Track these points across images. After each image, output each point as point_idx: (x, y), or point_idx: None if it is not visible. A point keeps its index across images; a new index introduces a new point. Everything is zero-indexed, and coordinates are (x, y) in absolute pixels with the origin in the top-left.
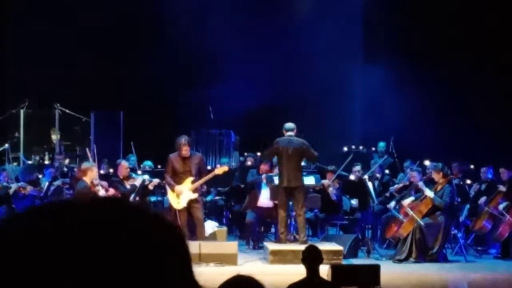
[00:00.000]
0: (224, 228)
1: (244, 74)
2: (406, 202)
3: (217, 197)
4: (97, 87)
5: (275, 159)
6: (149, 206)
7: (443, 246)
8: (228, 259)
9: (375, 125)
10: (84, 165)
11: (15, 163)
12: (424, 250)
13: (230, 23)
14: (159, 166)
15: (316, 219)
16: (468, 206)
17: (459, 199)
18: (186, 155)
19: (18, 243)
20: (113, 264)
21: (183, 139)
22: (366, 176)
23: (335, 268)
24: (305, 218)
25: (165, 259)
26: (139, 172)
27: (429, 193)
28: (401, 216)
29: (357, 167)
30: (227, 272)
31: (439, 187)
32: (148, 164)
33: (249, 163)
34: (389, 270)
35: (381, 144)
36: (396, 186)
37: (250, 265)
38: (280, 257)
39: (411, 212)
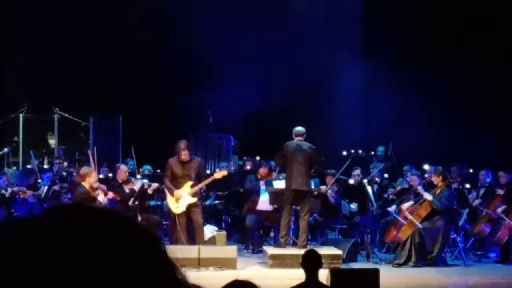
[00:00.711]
0: (223, 232)
1: (243, 78)
2: (405, 206)
3: (216, 201)
4: (96, 92)
5: (273, 163)
6: (148, 210)
7: (442, 250)
8: (228, 263)
9: (374, 130)
10: (83, 170)
11: (14, 167)
12: (423, 254)
13: (229, 26)
14: (158, 171)
15: (315, 223)
16: (467, 210)
17: (456, 203)
18: (185, 160)
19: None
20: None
21: (182, 144)
22: (365, 180)
23: (334, 273)
24: (307, 224)
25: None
26: (138, 176)
27: (427, 196)
28: (400, 218)
29: (357, 171)
30: (226, 276)
31: (438, 191)
32: (147, 168)
33: (248, 167)
34: (388, 274)
35: (380, 149)
36: (395, 189)
37: (250, 269)
38: (279, 261)
39: (410, 216)
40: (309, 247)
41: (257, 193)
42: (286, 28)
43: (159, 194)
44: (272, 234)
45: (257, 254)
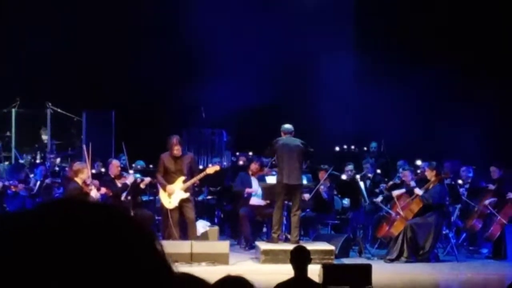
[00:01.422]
0: (216, 228)
1: (236, 74)
2: (396, 193)
3: (208, 197)
4: (89, 87)
5: (267, 159)
6: (140, 205)
7: (434, 246)
8: (220, 259)
9: (367, 125)
10: (76, 165)
11: (6, 162)
12: (415, 250)
13: (221, 22)
14: (151, 166)
15: (308, 219)
16: (459, 206)
17: (449, 199)
18: (178, 155)
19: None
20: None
21: (175, 139)
22: (358, 176)
23: (326, 268)
24: (299, 219)
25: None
26: (131, 171)
27: (418, 191)
28: (389, 210)
29: (349, 167)
30: (218, 271)
31: (430, 186)
32: (140, 163)
33: (241, 162)
34: (380, 270)
35: (373, 144)
36: (387, 184)
37: (242, 264)
38: (271, 257)
39: (402, 212)
40: (301, 242)
41: (249, 187)
42: (278, 23)
43: (152, 190)
44: (264, 229)
45: (249, 250)
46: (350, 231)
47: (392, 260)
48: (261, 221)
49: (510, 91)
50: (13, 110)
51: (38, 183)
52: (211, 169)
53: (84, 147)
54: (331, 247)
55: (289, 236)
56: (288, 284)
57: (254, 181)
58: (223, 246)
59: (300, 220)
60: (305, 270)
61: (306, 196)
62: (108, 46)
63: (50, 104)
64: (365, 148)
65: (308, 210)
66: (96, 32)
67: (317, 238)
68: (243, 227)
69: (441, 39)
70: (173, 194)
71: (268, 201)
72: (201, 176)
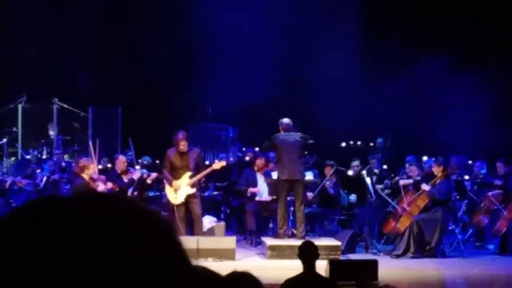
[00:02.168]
0: (222, 223)
1: (242, 69)
2: (402, 182)
3: (215, 192)
4: (95, 82)
5: (272, 154)
6: (146, 200)
7: (441, 241)
8: (226, 254)
9: (373, 120)
10: (82, 161)
11: (13, 158)
12: (421, 245)
13: (228, 17)
14: (157, 161)
15: (314, 214)
16: (466, 201)
17: (457, 195)
18: (184, 150)
19: (9, 240)
20: (106, 261)
21: (181, 134)
22: (364, 172)
23: (333, 263)
24: (304, 214)
25: (158, 255)
26: (137, 167)
27: (425, 186)
28: (395, 205)
29: (355, 162)
30: (225, 267)
31: (437, 181)
32: (146, 159)
33: (247, 158)
34: (386, 266)
35: (379, 140)
36: (395, 179)
37: (248, 260)
38: (278, 252)
39: (408, 208)
40: (308, 238)
41: (254, 184)
42: (284, 18)
43: (158, 185)
44: (271, 225)
45: (255, 246)
46: (357, 227)
47: (398, 256)
48: (268, 216)
49: None
50: (20, 106)
51: (45, 178)
52: (218, 164)
53: (91, 143)
54: (338, 243)
55: (295, 232)
56: (297, 280)
57: (260, 178)
58: (230, 241)
59: (307, 216)
60: (313, 265)
61: (309, 194)
62: (114, 42)
63: (56, 99)
64: (371, 144)
65: (314, 205)
66: (102, 27)
67: (324, 234)
68: (248, 222)
69: (450, 27)
70: (179, 190)
71: (274, 197)
72: (207, 172)
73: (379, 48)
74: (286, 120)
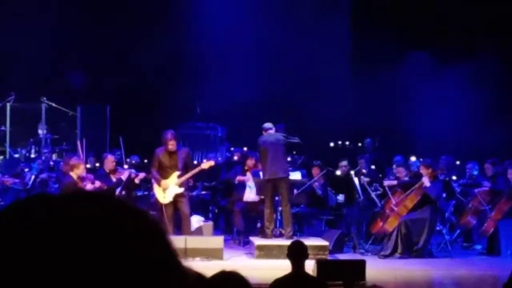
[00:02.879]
0: (210, 223)
1: (230, 69)
2: (387, 182)
3: (203, 192)
4: (84, 81)
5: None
6: (135, 200)
7: (428, 242)
8: (214, 254)
9: (362, 121)
10: (72, 160)
11: (1, 157)
12: (409, 246)
13: (217, 18)
14: (145, 161)
15: (302, 214)
16: (453, 202)
17: (444, 195)
18: (173, 150)
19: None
20: (96, 260)
21: (170, 134)
22: (352, 172)
23: (320, 263)
24: (291, 213)
25: (148, 254)
26: (126, 166)
27: (426, 181)
28: (379, 203)
29: (344, 162)
30: (213, 266)
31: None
32: (134, 158)
33: (235, 158)
34: (374, 266)
35: (367, 140)
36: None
37: (236, 259)
38: (266, 252)
39: (396, 208)
40: (295, 238)
41: (243, 187)
42: (273, 19)
43: (146, 185)
44: (258, 224)
45: (243, 246)
46: (344, 227)
47: (386, 256)
48: (256, 216)
49: None
50: (8, 105)
51: (33, 177)
52: (206, 164)
53: (79, 142)
54: (325, 243)
55: (283, 232)
56: (286, 279)
57: (249, 177)
58: (218, 241)
59: (294, 216)
60: (302, 265)
61: (294, 192)
62: (104, 41)
63: (45, 98)
64: (360, 144)
65: (302, 205)
66: (92, 26)
67: (311, 234)
68: (236, 222)
69: (440, 26)
70: (168, 189)
71: (262, 197)
72: (196, 171)
73: (368, 48)
74: (267, 124)
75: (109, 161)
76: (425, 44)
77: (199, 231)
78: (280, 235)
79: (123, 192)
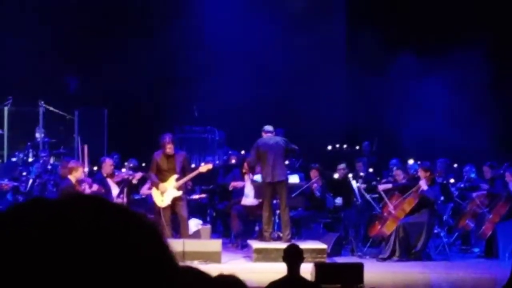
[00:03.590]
0: (208, 226)
1: (228, 72)
2: (382, 187)
3: (201, 195)
4: (82, 85)
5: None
6: (133, 203)
7: (426, 245)
8: (212, 257)
9: (360, 124)
10: (71, 163)
11: None
12: (407, 249)
13: (215, 21)
14: (143, 164)
15: (300, 217)
16: (451, 205)
17: (442, 198)
18: (170, 153)
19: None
20: (94, 263)
21: (167, 137)
22: (350, 175)
23: (319, 266)
24: (289, 216)
25: (146, 256)
26: (123, 170)
27: (423, 185)
28: (377, 207)
29: (342, 165)
30: (211, 270)
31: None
32: (132, 161)
33: (233, 161)
34: (372, 269)
35: (365, 143)
36: (384, 184)
37: (234, 263)
38: (264, 255)
39: (394, 211)
40: (293, 241)
41: (241, 191)
42: (271, 22)
43: (145, 190)
44: (257, 228)
45: (241, 249)
46: (343, 230)
47: (384, 259)
48: (254, 220)
49: None
50: (6, 108)
51: (31, 181)
52: (204, 167)
53: (85, 147)
54: (323, 246)
55: (281, 235)
56: (281, 283)
57: (247, 180)
58: (216, 244)
59: (292, 219)
60: (298, 269)
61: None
62: (101, 44)
63: (42, 102)
64: (357, 147)
65: (300, 209)
66: (89, 30)
67: (309, 237)
68: (234, 225)
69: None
70: (166, 193)
71: (260, 200)
72: (194, 175)
73: (363, 50)
74: (267, 127)
75: (107, 165)
76: (413, 44)
77: (197, 235)
78: (278, 238)
79: (121, 196)
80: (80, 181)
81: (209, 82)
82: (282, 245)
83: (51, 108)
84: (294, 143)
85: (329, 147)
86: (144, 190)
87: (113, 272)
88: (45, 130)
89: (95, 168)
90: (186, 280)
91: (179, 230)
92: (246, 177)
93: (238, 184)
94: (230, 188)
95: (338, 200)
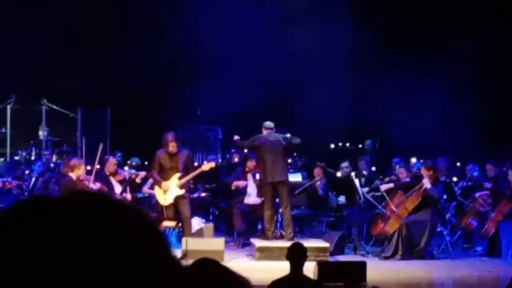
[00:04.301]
0: (211, 225)
1: (231, 71)
2: (384, 187)
3: (203, 194)
4: (84, 83)
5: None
6: (136, 201)
7: (429, 243)
8: (215, 256)
9: (362, 122)
10: (73, 161)
11: (1, 159)
12: (410, 247)
13: (218, 20)
14: (146, 162)
15: (302, 216)
16: (454, 203)
17: (445, 197)
18: (173, 151)
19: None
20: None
21: (170, 135)
22: (353, 173)
23: (321, 265)
24: (291, 215)
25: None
26: (126, 168)
27: (427, 183)
28: (382, 209)
29: (345, 164)
30: None
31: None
32: (135, 160)
33: (235, 159)
34: (375, 267)
35: (368, 142)
36: (384, 181)
37: (237, 261)
38: (266, 254)
39: (396, 210)
40: (296, 239)
41: (244, 191)
42: (274, 21)
43: (147, 189)
44: (259, 226)
45: (243, 247)
46: (345, 228)
47: (387, 258)
48: (256, 218)
49: None
50: (9, 107)
51: (34, 179)
52: (207, 166)
53: (98, 145)
54: (326, 244)
55: (283, 233)
56: (284, 281)
57: (250, 179)
58: (218, 243)
59: (295, 217)
60: (301, 267)
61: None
62: (104, 43)
63: (45, 100)
64: (360, 146)
65: (303, 207)
66: (92, 28)
67: (312, 235)
68: (236, 224)
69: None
70: (168, 191)
71: (263, 198)
72: (196, 173)
73: (367, 48)
74: (268, 123)
75: (111, 164)
76: (416, 44)
77: (199, 233)
78: (281, 237)
79: (124, 194)
80: (82, 179)
81: (213, 82)
82: (285, 244)
83: (54, 107)
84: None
85: (332, 146)
86: (146, 189)
87: (112, 271)
88: (48, 128)
89: (98, 166)
90: (206, 270)
91: (181, 229)
92: (248, 175)
93: (240, 183)
94: (233, 187)
95: (341, 199)
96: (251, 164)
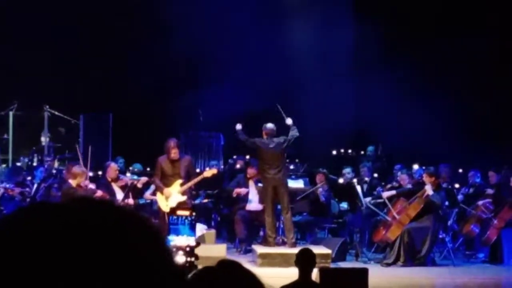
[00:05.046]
0: (213, 231)
1: (233, 77)
2: (386, 194)
3: (205, 200)
4: (87, 89)
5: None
6: (138, 208)
7: (431, 250)
8: None
9: (365, 128)
10: (76, 169)
11: (4, 165)
12: (412, 254)
13: (220, 27)
14: (148, 169)
15: (305, 222)
16: (456, 210)
17: (447, 203)
18: (175, 158)
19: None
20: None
21: (172, 142)
22: (355, 180)
23: (323, 272)
24: (292, 220)
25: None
26: (128, 174)
27: (429, 189)
28: (384, 215)
29: (347, 170)
30: None
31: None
32: (137, 166)
33: (238, 166)
34: (377, 274)
35: (370, 148)
36: (386, 187)
37: None
38: (268, 260)
39: (398, 216)
40: (298, 245)
41: (246, 198)
42: (275, 26)
43: (149, 195)
44: (261, 233)
45: (244, 254)
46: (347, 235)
47: (389, 264)
48: (258, 225)
49: None
50: (11, 113)
51: (36, 185)
52: (209, 172)
53: (89, 149)
54: (328, 251)
55: (285, 239)
56: (293, 287)
57: (252, 185)
58: (220, 249)
59: (297, 224)
60: (310, 273)
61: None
62: (106, 49)
63: (47, 106)
64: (362, 152)
65: (305, 214)
66: (94, 35)
67: (314, 242)
68: (238, 230)
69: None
70: (170, 197)
71: (264, 205)
72: (198, 179)
73: (370, 53)
74: (269, 125)
75: (112, 170)
76: (418, 48)
77: (201, 239)
78: (283, 243)
79: (126, 201)
80: (82, 186)
81: (214, 88)
82: (287, 250)
83: (56, 113)
84: (298, 147)
85: (334, 152)
86: (148, 195)
87: (112, 275)
88: (50, 134)
89: (100, 172)
90: (227, 272)
91: None
92: (250, 182)
93: (241, 191)
94: (234, 194)
95: (343, 205)
96: (251, 171)
